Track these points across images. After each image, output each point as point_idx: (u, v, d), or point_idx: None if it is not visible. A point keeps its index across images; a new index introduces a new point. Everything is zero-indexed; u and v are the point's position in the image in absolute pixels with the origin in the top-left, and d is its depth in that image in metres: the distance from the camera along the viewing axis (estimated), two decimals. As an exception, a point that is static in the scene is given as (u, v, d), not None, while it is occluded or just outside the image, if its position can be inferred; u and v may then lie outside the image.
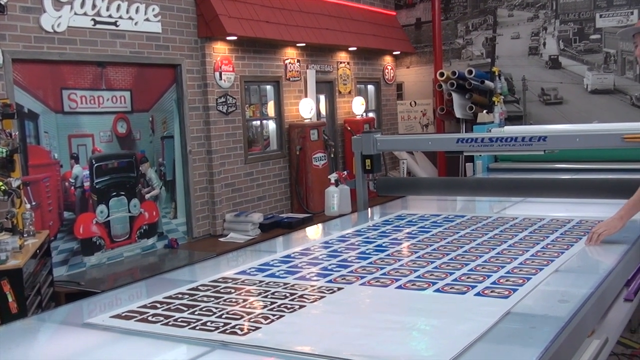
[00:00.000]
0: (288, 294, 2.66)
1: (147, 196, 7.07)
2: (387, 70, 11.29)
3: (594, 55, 10.14)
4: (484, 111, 9.70)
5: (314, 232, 4.66)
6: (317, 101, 9.53)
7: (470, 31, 11.10)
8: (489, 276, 2.78)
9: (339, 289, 2.73)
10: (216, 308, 2.52)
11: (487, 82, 10.00)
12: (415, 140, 5.22)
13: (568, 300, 2.44)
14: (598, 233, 3.27)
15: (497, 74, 10.20)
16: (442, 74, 10.02)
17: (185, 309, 2.53)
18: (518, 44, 10.71)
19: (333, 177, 5.90)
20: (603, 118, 8.83)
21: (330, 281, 2.85)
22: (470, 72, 9.78)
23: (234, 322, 2.32)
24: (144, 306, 2.60)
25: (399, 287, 2.72)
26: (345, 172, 6.70)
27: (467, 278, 2.77)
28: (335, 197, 5.63)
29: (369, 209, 4.86)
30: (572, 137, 3.99)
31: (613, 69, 10.01)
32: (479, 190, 4.72)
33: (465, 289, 2.62)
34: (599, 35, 10.08)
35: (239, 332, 2.23)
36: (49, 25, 5.96)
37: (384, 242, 3.60)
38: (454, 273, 2.86)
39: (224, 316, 2.40)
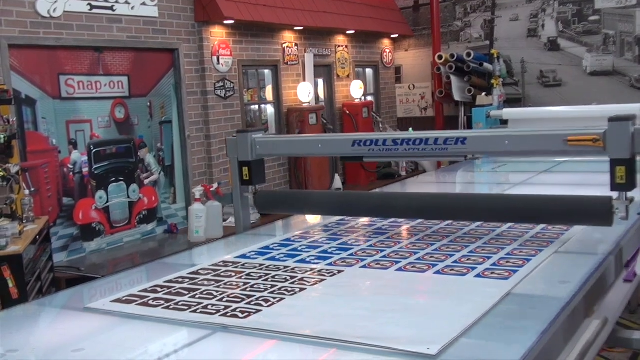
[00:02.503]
0: (288, 277, 2.67)
1: (146, 181, 7.06)
2: (385, 54, 11.25)
3: (593, 36, 10.11)
4: (483, 94, 9.68)
5: (313, 216, 4.66)
6: (316, 85, 9.50)
7: (468, 13, 11.05)
8: (488, 258, 2.78)
9: (340, 271, 2.73)
10: (217, 291, 2.52)
11: (485, 64, 9.97)
12: (302, 142, 4.07)
13: (568, 281, 2.45)
14: None
15: (495, 56, 10.17)
16: (440, 57, 9.98)
17: (186, 292, 2.54)
18: (517, 26, 10.67)
19: (198, 191, 4.28)
20: (602, 100, 8.81)
21: (330, 264, 2.85)
22: (468, 54, 9.75)
23: (234, 306, 2.33)
24: (145, 290, 2.61)
25: (399, 269, 2.72)
26: (216, 185, 4.99)
27: (467, 260, 2.78)
28: (202, 217, 4.16)
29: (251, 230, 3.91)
30: (499, 139, 3.19)
31: (612, 50, 9.98)
32: (381, 211, 3.64)
33: (465, 270, 2.62)
34: (598, 16, 10.04)
35: (239, 315, 2.23)
36: (44, 10, 5.92)
37: (383, 225, 3.60)
38: (453, 255, 2.87)
39: (224, 299, 2.41)
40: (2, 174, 4.54)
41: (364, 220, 3.80)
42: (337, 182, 9.12)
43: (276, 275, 2.72)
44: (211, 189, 4.19)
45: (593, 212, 2.97)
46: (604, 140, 2.79)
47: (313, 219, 4.39)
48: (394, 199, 3.89)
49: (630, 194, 2.85)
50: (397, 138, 3.28)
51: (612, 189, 2.83)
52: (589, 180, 4.55)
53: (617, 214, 2.84)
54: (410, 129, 9.35)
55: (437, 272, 2.64)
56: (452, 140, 3.13)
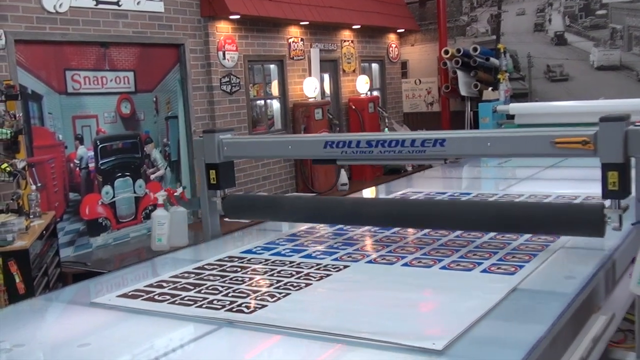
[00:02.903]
0: (294, 272, 2.66)
1: (152, 177, 7.07)
2: (391, 49, 11.23)
3: (600, 31, 10.06)
4: (489, 88, 9.66)
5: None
6: (321, 80, 9.49)
7: (475, 8, 11.02)
8: (495, 253, 2.77)
9: (345, 266, 2.73)
10: (222, 287, 2.52)
11: (492, 59, 9.94)
12: (272, 144, 3.76)
13: (574, 277, 2.44)
14: None
15: (502, 51, 10.13)
16: (446, 52, 9.96)
17: (192, 287, 2.54)
18: (523, 21, 10.63)
19: (161, 195, 4.05)
20: (609, 94, 8.78)
21: (336, 259, 2.85)
22: (475, 49, 9.72)
23: (240, 301, 2.33)
24: (151, 285, 2.61)
25: (405, 264, 2.72)
26: (181, 188, 4.51)
27: (473, 255, 2.77)
28: (164, 225, 3.91)
29: (222, 238, 3.60)
30: (481, 141, 2.92)
31: (619, 44, 9.93)
32: (355, 218, 3.31)
33: (472, 265, 2.61)
34: (605, 10, 9.99)
35: (245, 310, 2.23)
36: (50, 6, 5.93)
37: (389, 220, 3.59)
38: (460, 250, 2.86)
39: (230, 294, 2.41)
40: (8, 169, 4.55)
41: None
42: (343, 177, 9.11)
43: (282, 270, 2.72)
44: (175, 194, 3.94)
45: (582, 221, 2.70)
46: (594, 143, 2.56)
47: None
48: (369, 205, 3.53)
49: (624, 202, 2.59)
50: (372, 139, 3.04)
51: (604, 197, 2.59)
52: (597, 175, 4.53)
53: (609, 223, 2.59)
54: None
55: (443, 267, 2.63)
56: (430, 142, 2.89)
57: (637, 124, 2.55)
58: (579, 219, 2.72)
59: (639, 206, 2.62)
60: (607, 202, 2.61)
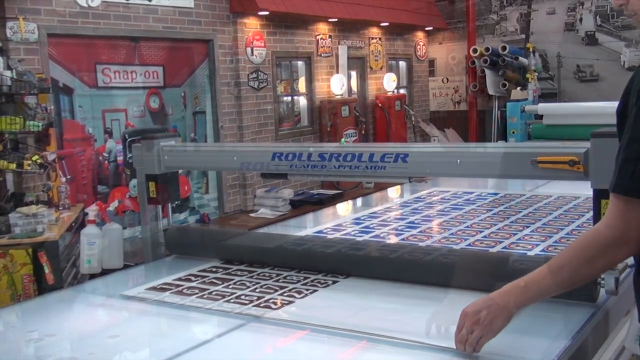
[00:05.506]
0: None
1: (180, 171, 7.12)
2: (419, 47, 11.18)
3: (631, 31, 9.92)
4: (518, 88, 9.58)
5: (344, 209, 4.66)
6: (349, 77, 9.49)
7: (504, 6, 10.93)
8: (522, 254, 2.75)
9: (372, 264, 2.72)
10: (250, 282, 2.53)
11: (521, 58, 9.86)
12: (216, 153, 3.46)
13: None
14: (473, 344, 1.81)
15: (531, 50, 10.05)
16: (475, 50, 9.90)
17: (220, 282, 2.56)
18: (553, 20, 10.52)
19: (92, 211, 3.59)
20: (640, 96, 8.66)
21: (362, 257, 2.84)
22: (504, 48, 9.65)
23: (267, 296, 2.34)
24: (179, 279, 2.63)
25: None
26: (115, 202, 3.90)
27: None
28: (95, 244, 3.44)
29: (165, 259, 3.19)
30: (450, 157, 2.48)
31: (651, 45, 9.80)
32: (307, 263, 2.74)
33: (499, 266, 2.59)
34: (638, 10, 9.85)
35: (272, 306, 2.24)
36: (83, 0, 5.99)
37: (416, 219, 3.58)
38: (487, 251, 2.84)
39: (257, 290, 2.42)
40: (39, 161, 4.62)
41: (396, 213, 3.79)
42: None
43: (309, 267, 2.72)
44: (107, 209, 3.40)
45: None
46: (584, 164, 2.11)
47: (344, 212, 4.39)
48: (311, 251, 2.82)
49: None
50: (325, 152, 2.71)
51: None
52: None
53: (603, 286, 2.05)
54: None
55: (471, 268, 2.61)
56: (390, 157, 2.54)
57: None
58: None
59: None
60: None
